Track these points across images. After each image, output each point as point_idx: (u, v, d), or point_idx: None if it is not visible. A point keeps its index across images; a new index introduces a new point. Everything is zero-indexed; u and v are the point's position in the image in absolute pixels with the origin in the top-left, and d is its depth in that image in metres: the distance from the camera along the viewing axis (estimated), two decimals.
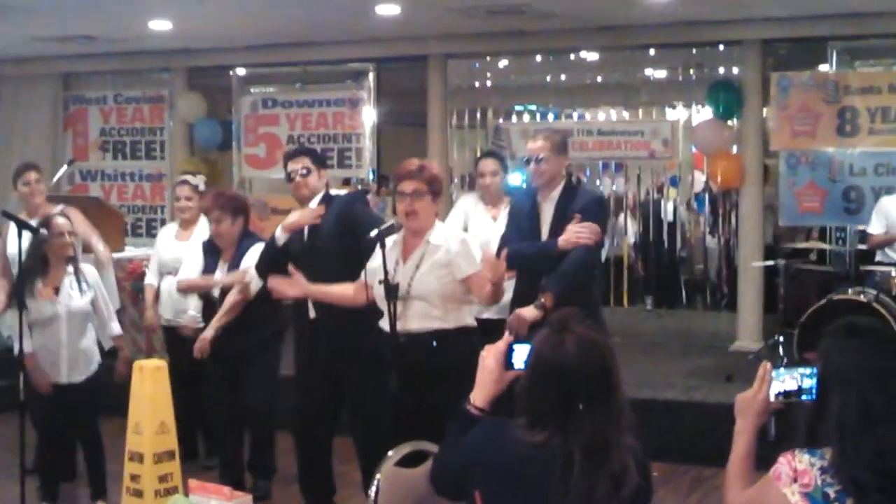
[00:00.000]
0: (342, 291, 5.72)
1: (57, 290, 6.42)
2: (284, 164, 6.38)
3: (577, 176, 14.95)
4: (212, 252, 6.95)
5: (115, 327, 6.71)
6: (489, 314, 6.34)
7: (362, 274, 5.58)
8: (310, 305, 6.12)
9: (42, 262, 6.45)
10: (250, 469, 7.14)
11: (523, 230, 6.19)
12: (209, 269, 6.83)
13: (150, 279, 7.87)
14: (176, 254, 7.56)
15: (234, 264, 6.77)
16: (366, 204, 6.58)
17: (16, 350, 6.50)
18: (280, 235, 6.16)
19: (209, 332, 6.76)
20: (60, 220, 6.49)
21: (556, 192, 6.14)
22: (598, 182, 14.70)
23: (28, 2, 9.07)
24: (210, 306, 6.97)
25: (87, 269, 6.65)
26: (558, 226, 6.03)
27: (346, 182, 12.48)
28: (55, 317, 6.41)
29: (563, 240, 5.84)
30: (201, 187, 7.80)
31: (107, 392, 6.62)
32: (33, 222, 6.78)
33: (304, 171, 6.22)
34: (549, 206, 6.14)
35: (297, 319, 6.31)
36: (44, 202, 7.47)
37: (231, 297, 6.74)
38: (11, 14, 9.72)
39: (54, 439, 6.67)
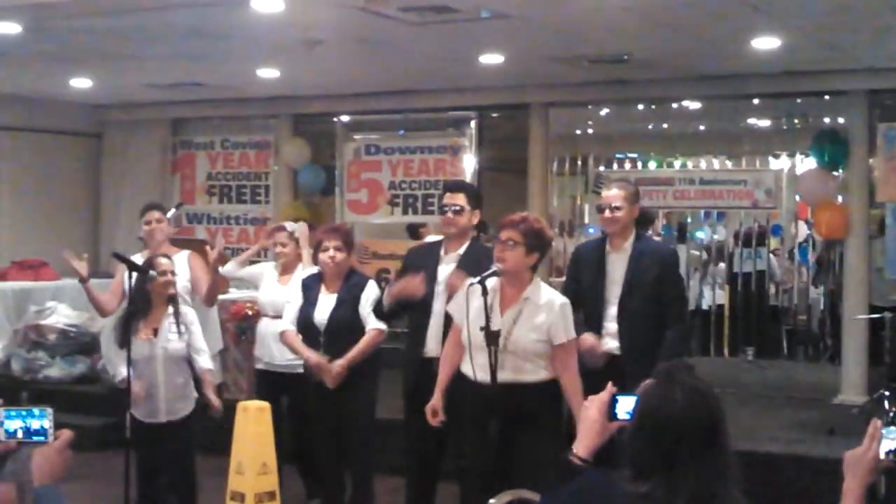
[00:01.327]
0: (448, 369, 5.80)
1: (156, 332, 6.55)
2: (443, 193, 6.49)
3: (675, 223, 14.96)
4: (311, 286, 6.95)
5: (203, 361, 6.70)
6: None
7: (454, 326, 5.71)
8: (426, 345, 6.17)
9: (145, 302, 6.60)
10: None
11: (582, 281, 6.27)
12: (310, 303, 6.89)
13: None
14: (273, 297, 7.65)
15: (342, 298, 6.78)
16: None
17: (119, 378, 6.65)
18: (386, 303, 6.32)
19: (342, 363, 6.55)
20: (162, 260, 6.67)
21: (628, 244, 6.23)
22: (702, 233, 14.66)
23: (142, 51, 9.32)
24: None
25: (187, 310, 6.76)
26: (634, 279, 6.12)
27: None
28: (152, 357, 6.54)
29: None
30: (297, 234, 7.90)
31: (201, 431, 6.69)
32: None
33: (457, 209, 6.25)
34: (619, 256, 6.23)
35: (409, 360, 6.32)
36: (164, 242, 7.58)
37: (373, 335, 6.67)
38: (125, 62, 10.01)
39: (150, 477, 6.73)
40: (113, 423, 7.71)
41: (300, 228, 8.01)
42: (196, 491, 6.77)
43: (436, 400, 5.80)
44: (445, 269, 6.21)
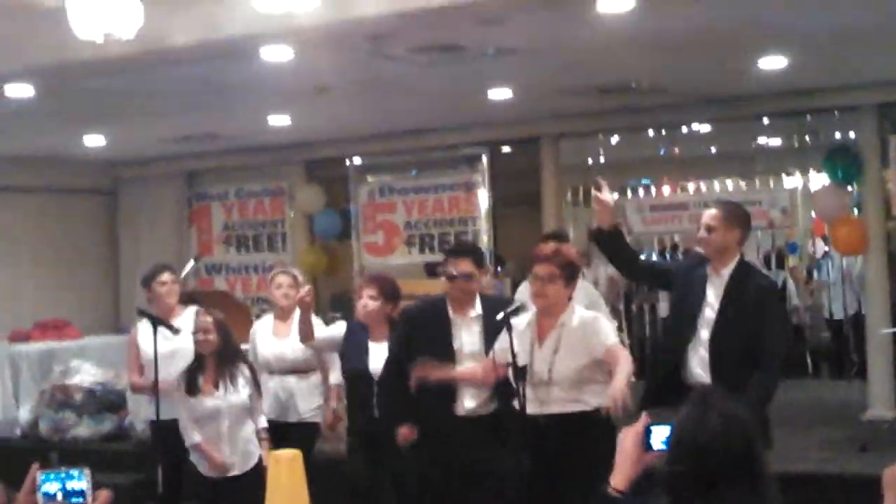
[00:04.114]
0: (473, 373, 5.76)
1: (217, 385, 6.57)
2: (446, 258, 6.18)
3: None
4: (356, 332, 6.85)
5: (260, 421, 6.74)
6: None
7: (490, 354, 5.68)
8: (460, 404, 5.99)
9: (200, 360, 6.65)
10: None
11: (685, 297, 5.92)
12: (361, 351, 6.76)
13: None
14: (276, 350, 7.44)
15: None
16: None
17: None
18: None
19: None
20: (201, 319, 6.70)
21: (728, 270, 5.79)
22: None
23: (154, 106, 9.40)
24: None
25: (243, 367, 6.74)
26: (728, 308, 5.71)
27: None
28: (217, 411, 6.55)
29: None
30: (300, 278, 7.85)
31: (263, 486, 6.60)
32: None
33: (466, 276, 6.04)
34: (717, 281, 5.81)
35: (439, 419, 6.05)
36: (176, 303, 7.51)
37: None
38: (137, 118, 10.09)
39: None
40: (144, 480, 7.73)
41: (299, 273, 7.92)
42: None
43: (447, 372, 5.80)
44: (466, 333, 6.02)
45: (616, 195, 10.08)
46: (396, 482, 6.55)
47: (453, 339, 6.01)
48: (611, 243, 5.96)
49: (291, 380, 7.37)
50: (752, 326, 5.63)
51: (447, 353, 5.93)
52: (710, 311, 5.76)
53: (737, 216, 5.91)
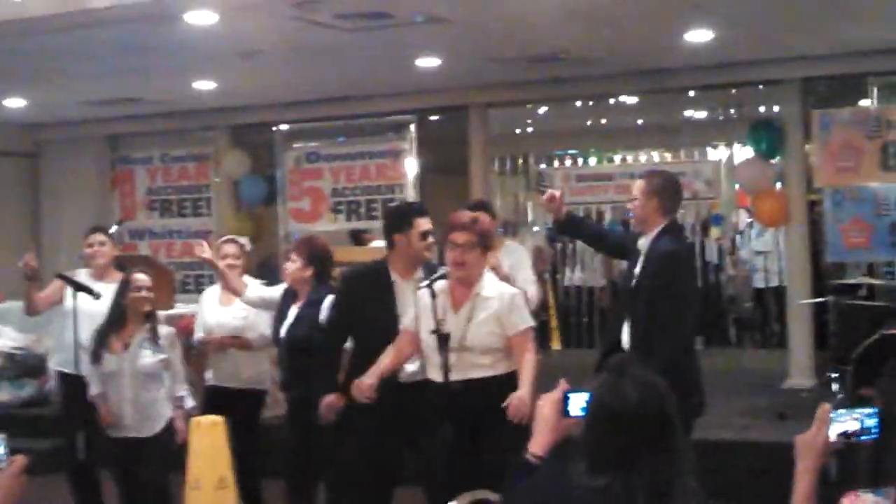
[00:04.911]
0: (394, 358, 5.70)
1: (127, 346, 6.49)
2: (410, 218, 5.99)
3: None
4: (288, 298, 6.86)
5: (178, 389, 6.63)
6: None
7: (404, 327, 5.69)
8: (403, 369, 5.89)
9: (120, 317, 6.55)
10: None
11: (628, 268, 6.11)
12: (282, 315, 6.79)
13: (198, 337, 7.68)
14: (220, 319, 7.45)
15: (300, 315, 6.64)
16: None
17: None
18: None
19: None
20: (139, 276, 6.59)
21: (646, 240, 5.86)
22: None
23: (76, 69, 9.24)
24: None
25: (165, 330, 6.68)
26: (641, 276, 5.80)
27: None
28: (119, 372, 6.47)
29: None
30: (248, 247, 7.80)
31: (174, 450, 6.55)
32: (98, 284, 6.95)
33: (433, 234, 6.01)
34: (641, 251, 5.88)
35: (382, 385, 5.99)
36: (108, 264, 7.46)
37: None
38: (59, 80, 9.91)
39: (120, 492, 6.66)
40: (64, 446, 7.65)
41: (247, 241, 7.91)
42: None
43: (371, 379, 5.60)
44: (409, 295, 5.85)
45: (558, 172, 10.14)
46: (336, 451, 6.44)
47: (397, 302, 5.92)
48: (572, 231, 6.64)
49: None
50: (652, 294, 5.70)
51: (392, 317, 5.87)
52: (634, 280, 5.89)
53: (658, 186, 5.90)
